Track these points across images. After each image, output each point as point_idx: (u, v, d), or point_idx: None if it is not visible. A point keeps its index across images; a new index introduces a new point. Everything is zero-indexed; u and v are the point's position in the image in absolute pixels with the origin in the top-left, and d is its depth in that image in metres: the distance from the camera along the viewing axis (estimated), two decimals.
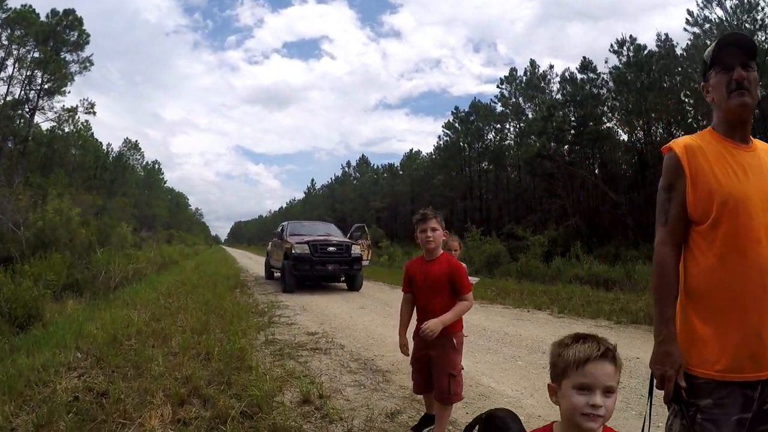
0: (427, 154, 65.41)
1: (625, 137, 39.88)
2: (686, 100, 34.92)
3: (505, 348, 7.34)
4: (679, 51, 36.07)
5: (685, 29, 34.12)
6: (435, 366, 3.63)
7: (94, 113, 45.11)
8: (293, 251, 14.66)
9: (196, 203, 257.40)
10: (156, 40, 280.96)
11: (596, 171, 39.59)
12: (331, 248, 14.97)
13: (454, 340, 3.65)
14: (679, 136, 2.26)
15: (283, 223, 18.92)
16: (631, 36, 37.96)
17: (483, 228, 27.56)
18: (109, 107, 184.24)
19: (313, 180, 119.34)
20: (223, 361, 5.71)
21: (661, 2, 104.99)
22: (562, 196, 37.39)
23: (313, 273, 14.78)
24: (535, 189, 45.04)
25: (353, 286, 15.57)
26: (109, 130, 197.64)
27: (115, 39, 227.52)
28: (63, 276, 13.48)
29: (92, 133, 56.14)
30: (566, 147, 38.76)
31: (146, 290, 13.36)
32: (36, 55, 39.65)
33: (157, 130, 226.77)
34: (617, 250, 26.90)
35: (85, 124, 53.35)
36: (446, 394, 3.57)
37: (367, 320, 9.77)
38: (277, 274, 17.82)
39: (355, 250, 15.40)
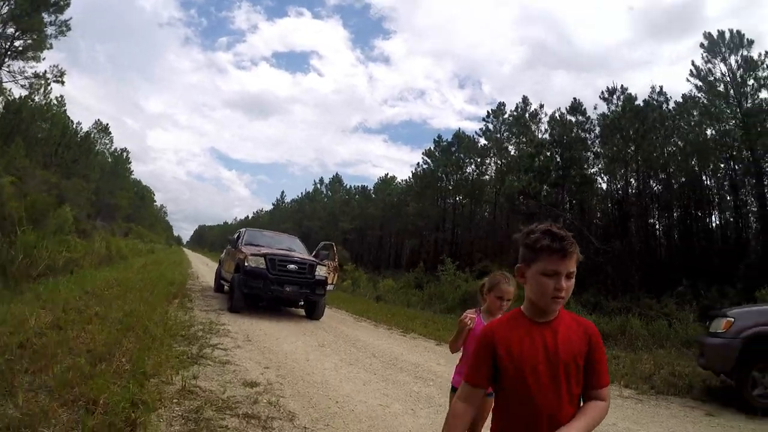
0: (403, 180, 64.35)
1: (604, 185, 40.35)
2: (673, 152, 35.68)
3: None
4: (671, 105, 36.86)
5: (687, 79, 34.14)
6: None
7: (63, 82, 41.97)
8: (246, 264, 12.15)
9: (163, 200, 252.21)
10: (148, 29, 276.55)
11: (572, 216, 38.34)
12: (291, 266, 12.35)
13: None
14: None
15: (241, 230, 16.38)
16: (622, 86, 38.36)
17: (457, 263, 25.56)
18: (91, 90, 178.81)
19: (283, 192, 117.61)
20: (105, 424, 3.60)
21: (646, 60, 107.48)
22: None
23: (267, 293, 12.15)
24: (509, 227, 43.63)
25: (313, 314, 13.05)
26: (89, 113, 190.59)
27: (108, 21, 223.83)
28: None
29: (65, 110, 53.72)
30: (545, 188, 37.69)
31: (70, 286, 11.12)
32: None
33: (136, 120, 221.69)
34: (596, 298, 25.37)
35: (59, 99, 51.07)
36: None
37: (328, 366, 7.45)
38: (227, 288, 15.15)
39: (320, 271, 12.78)
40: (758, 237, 30.04)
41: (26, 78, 39.36)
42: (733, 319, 7.34)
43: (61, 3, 39.32)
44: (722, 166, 34.68)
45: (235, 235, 15.98)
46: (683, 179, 35.61)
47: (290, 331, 10.56)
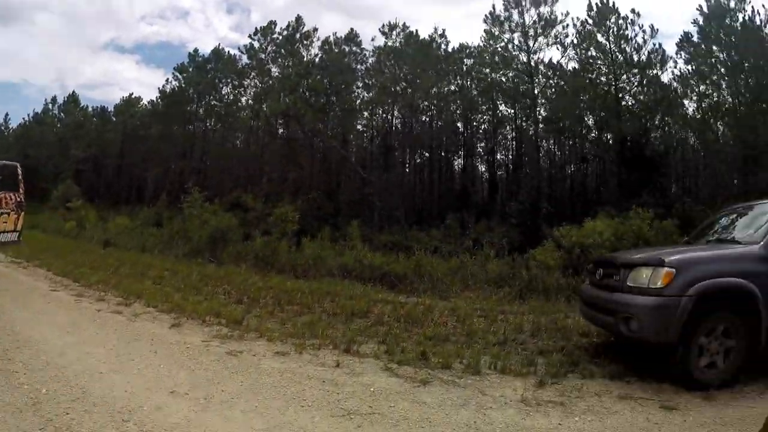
0: (149, 102, 56.79)
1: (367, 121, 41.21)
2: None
3: None
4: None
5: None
6: None
7: None
8: None
9: None
10: None
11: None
12: None
13: None
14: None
15: None
16: (404, 23, 39.02)
17: (205, 194, 21.15)
18: None
19: (7, 115, 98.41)
20: None
21: (418, 16, 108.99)
22: (303, 166, 33.56)
23: None
24: (264, 155, 40.07)
25: None
26: None
27: None
28: None
29: None
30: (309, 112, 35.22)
31: None
32: None
33: None
34: (364, 231, 23.53)
35: None
36: None
37: None
38: None
39: None
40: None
41: None
42: (674, 270, 5.19)
43: None
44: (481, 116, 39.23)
45: None
46: (441, 123, 38.51)
47: None
